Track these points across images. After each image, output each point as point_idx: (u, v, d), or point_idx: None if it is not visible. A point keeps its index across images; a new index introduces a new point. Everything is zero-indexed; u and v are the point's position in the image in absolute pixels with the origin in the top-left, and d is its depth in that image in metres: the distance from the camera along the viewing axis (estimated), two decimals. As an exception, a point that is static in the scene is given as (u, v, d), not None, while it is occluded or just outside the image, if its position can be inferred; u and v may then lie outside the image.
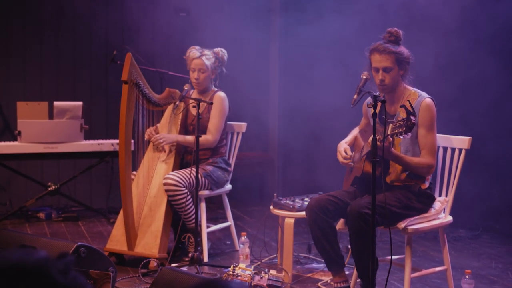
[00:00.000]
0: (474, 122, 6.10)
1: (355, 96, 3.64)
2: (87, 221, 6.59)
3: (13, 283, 1.34)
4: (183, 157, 5.21)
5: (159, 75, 6.48)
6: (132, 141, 5.26)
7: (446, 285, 4.22)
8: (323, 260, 4.18)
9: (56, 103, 6.33)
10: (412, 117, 3.30)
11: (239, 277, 4.23)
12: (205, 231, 5.03)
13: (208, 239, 5.15)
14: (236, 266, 4.35)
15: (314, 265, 4.98)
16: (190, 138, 5.02)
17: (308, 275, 4.72)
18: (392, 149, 3.71)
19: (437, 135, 3.99)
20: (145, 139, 5.10)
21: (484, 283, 4.54)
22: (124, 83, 4.66)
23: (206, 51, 5.10)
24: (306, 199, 4.70)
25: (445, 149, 4.19)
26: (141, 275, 4.60)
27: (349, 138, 4.26)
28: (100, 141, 6.51)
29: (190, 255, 4.70)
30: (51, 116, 6.35)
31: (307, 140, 7.34)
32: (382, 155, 3.46)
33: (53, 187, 6.63)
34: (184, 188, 4.83)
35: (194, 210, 4.84)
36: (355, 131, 4.32)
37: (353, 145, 4.24)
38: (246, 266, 4.35)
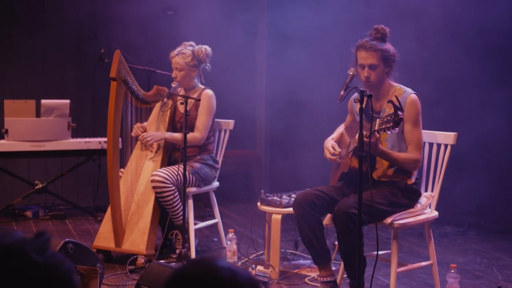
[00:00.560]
0: (458, 121, 6.15)
1: (342, 92, 3.67)
2: (74, 220, 6.58)
3: None
4: (171, 154, 5.23)
5: (147, 73, 6.51)
6: (120, 139, 5.27)
7: (432, 280, 4.26)
8: (310, 257, 4.20)
9: (43, 101, 6.33)
10: (400, 112, 3.32)
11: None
12: (192, 228, 5.04)
13: (195, 236, 5.17)
14: (224, 262, 4.36)
15: (301, 261, 5.01)
16: (177, 135, 5.04)
17: (295, 271, 4.75)
18: (379, 145, 3.74)
19: (423, 131, 4.03)
20: (132, 135, 5.11)
21: (470, 278, 4.59)
22: (113, 80, 4.67)
23: (186, 49, 5.10)
24: (293, 195, 4.72)
25: (431, 144, 4.23)
26: (129, 272, 4.61)
27: (335, 134, 4.28)
28: (88, 139, 6.51)
29: (177, 251, 4.72)
30: (38, 114, 6.34)
31: (294, 138, 7.37)
32: (369, 151, 3.50)
33: (40, 185, 6.62)
34: (171, 185, 4.85)
35: (181, 207, 4.86)
36: (340, 128, 4.35)
37: (339, 141, 4.26)
38: (233, 262, 4.37)
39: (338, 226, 3.74)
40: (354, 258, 3.59)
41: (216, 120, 5.30)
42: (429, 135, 4.21)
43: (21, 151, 6.29)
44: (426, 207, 4.12)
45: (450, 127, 4.48)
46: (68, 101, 6.41)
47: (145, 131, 5.16)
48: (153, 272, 3.56)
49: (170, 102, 5.15)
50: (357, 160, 3.42)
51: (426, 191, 4.24)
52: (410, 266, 4.22)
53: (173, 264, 4.58)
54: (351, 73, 3.86)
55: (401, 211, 3.93)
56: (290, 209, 4.29)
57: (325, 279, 4.05)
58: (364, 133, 3.42)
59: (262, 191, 4.92)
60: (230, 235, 4.91)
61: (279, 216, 4.60)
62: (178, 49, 5.11)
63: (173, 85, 5.02)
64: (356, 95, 3.45)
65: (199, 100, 4.95)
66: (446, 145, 4.11)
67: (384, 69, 3.97)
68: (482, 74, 6.23)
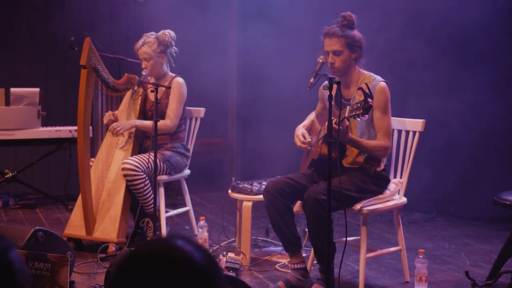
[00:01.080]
0: (428, 107, 6.21)
1: (311, 80, 3.71)
2: (45, 208, 6.56)
3: None
4: (142, 142, 5.22)
5: (118, 61, 6.48)
6: (91, 127, 5.25)
7: (401, 265, 4.33)
8: (281, 243, 4.23)
9: (12, 89, 6.28)
10: (369, 99, 3.35)
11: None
12: (163, 215, 5.05)
13: (166, 224, 5.18)
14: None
15: (272, 248, 5.04)
16: (148, 123, 5.03)
17: (266, 257, 4.78)
18: (349, 134, 3.76)
19: (392, 118, 4.07)
20: (104, 123, 5.10)
21: (438, 263, 4.66)
22: (83, 67, 4.66)
23: (150, 38, 5.08)
24: (263, 182, 4.75)
25: (399, 131, 4.28)
26: (100, 260, 4.61)
27: (306, 122, 4.31)
28: (58, 127, 6.47)
29: (148, 239, 4.72)
30: (7, 103, 6.30)
31: (266, 126, 7.39)
32: (338, 138, 3.53)
33: (10, 174, 6.58)
34: (142, 173, 4.85)
35: (152, 195, 4.86)
36: (311, 116, 4.38)
37: (310, 129, 4.29)
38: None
39: (308, 212, 3.78)
40: (323, 244, 3.63)
41: (187, 108, 5.30)
42: (397, 122, 4.25)
43: (-9, 139, 6.25)
44: (395, 194, 4.18)
45: (422, 115, 4.53)
46: (37, 89, 6.37)
47: (116, 119, 5.14)
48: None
49: (141, 90, 5.13)
50: (327, 147, 3.45)
51: (395, 177, 4.29)
52: (379, 252, 4.27)
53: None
54: (320, 60, 3.91)
55: (370, 197, 3.98)
56: (261, 197, 4.32)
57: (295, 266, 4.08)
58: (334, 120, 3.45)
59: (233, 178, 4.94)
60: (201, 222, 4.93)
61: (250, 204, 4.62)
62: (142, 40, 5.09)
63: (144, 73, 5.01)
64: (325, 82, 3.48)
65: (170, 87, 4.94)
66: (414, 132, 4.16)
67: (349, 55, 3.99)
68: (450, 59, 6.30)
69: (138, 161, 4.87)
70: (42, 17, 7.33)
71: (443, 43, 6.37)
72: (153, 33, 5.15)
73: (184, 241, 1.44)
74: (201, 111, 5.42)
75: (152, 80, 5.14)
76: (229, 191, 4.82)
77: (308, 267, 4.20)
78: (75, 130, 6.23)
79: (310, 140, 4.09)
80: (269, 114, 7.45)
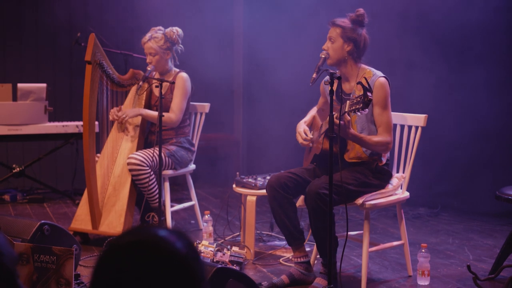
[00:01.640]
0: (431, 103, 6.24)
1: (314, 75, 3.76)
2: (52, 203, 6.61)
3: None
4: (147, 137, 5.26)
5: (124, 57, 6.51)
6: (97, 122, 5.29)
7: (404, 259, 4.35)
8: (285, 238, 4.26)
9: (20, 85, 6.33)
10: (369, 93, 3.38)
11: (202, 254, 4.31)
12: (169, 210, 5.09)
13: (172, 218, 5.22)
14: (199, 243, 4.42)
15: (277, 242, 5.08)
16: (153, 112, 5.05)
17: (270, 252, 4.81)
18: (350, 129, 3.77)
19: (394, 113, 4.09)
20: (110, 119, 5.14)
21: (441, 258, 4.68)
22: (88, 63, 4.70)
23: (157, 33, 5.12)
24: (268, 177, 4.78)
25: (402, 126, 4.30)
26: (106, 254, 4.65)
27: (307, 118, 4.33)
28: (65, 123, 6.52)
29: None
30: (15, 98, 6.35)
31: (272, 120, 7.42)
32: (339, 133, 3.55)
33: (18, 169, 6.64)
34: (147, 168, 4.89)
35: (157, 190, 4.90)
36: (313, 111, 4.40)
37: (311, 124, 4.32)
38: (209, 243, 4.43)
39: (309, 206, 3.80)
40: (325, 238, 3.66)
41: (191, 103, 5.34)
42: (399, 117, 4.27)
43: (-2, 134, 6.30)
44: (398, 188, 4.20)
45: (425, 110, 4.55)
46: (44, 85, 6.42)
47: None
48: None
49: (146, 85, 5.17)
50: (328, 142, 3.47)
51: (397, 172, 4.32)
52: (381, 246, 4.30)
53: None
54: (323, 56, 3.95)
55: (371, 191, 4.00)
56: (265, 191, 4.35)
57: (298, 259, 4.12)
58: (335, 114, 3.48)
59: (238, 173, 4.97)
60: (206, 217, 4.97)
61: (254, 198, 4.66)
62: (149, 34, 5.13)
63: (149, 69, 5.04)
64: (327, 77, 3.51)
65: (174, 83, 4.98)
66: (416, 127, 4.18)
67: (342, 46, 4.01)
68: (448, 60, 6.32)
69: (143, 155, 4.91)
70: (49, 13, 7.37)
71: (441, 42, 6.39)
72: (161, 28, 5.18)
73: (167, 230, 1.47)
74: (205, 106, 5.45)
75: (157, 75, 5.18)
76: (234, 185, 4.85)
77: (311, 261, 4.24)
78: (82, 125, 6.29)
79: (311, 136, 4.12)
80: (275, 109, 7.47)
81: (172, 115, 5.10)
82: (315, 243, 4.13)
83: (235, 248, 4.44)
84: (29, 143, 7.19)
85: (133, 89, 5.27)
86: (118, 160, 5.09)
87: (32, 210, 6.30)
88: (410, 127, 4.24)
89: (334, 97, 3.49)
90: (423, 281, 4.07)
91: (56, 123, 6.48)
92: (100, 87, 4.89)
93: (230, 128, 8.13)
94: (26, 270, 3.63)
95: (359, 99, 3.41)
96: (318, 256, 4.14)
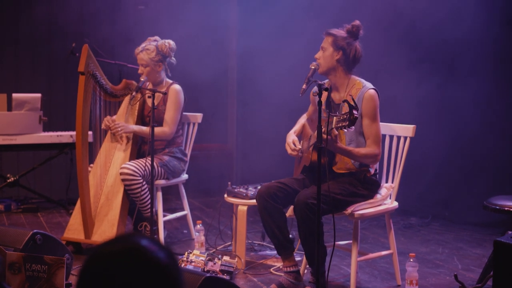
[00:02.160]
0: (422, 112, 6.29)
1: (303, 86, 3.81)
2: (46, 213, 6.64)
3: None
4: (140, 147, 5.31)
5: (118, 67, 6.56)
6: (91, 132, 5.34)
7: (393, 269, 4.39)
8: (274, 247, 4.31)
9: (14, 95, 6.37)
10: (355, 111, 3.42)
11: (193, 263, 4.35)
12: (161, 219, 5.13)
13: (164, 227, 5.26)
14: (190, 252, 4.47)
15: (268, 252, 5.12)
16: (146, 128, 5.11)
17: (261, 261, 4.85)
18: (338, 143, 3.82)
19: (382, 123, 4.15)
20: (102, 128, 5.18)
21: (430, 267, 4.72)
22: (81, 74, 4.75)
23: (150, 45, 5.17)
24: (259, 187, 4.82)
25: (391, 137, 4.35)
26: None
27: (297, 127, 4.38)
28: (59, 132, 6.56)
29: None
30: (9, 108, 6.39)
31: (265, 131, 7.46)
32: (326, 146, 3.60)
33: (12, 178, 6.67)
34: (140, 178, 4.93)
35: (150, 199, 4.94)
36: (302, 119, 4.45)
37: (301, 133, 4.37)
38: (201, 253, 4.47)
39: (298, 216, 3.85)
40: (314, 247, 3.71)
41: (184, 113, 5.38)
42: (388, 128, 4.32)
43: (-7, 144, 6.34)
44: (386, 198, 4.24)
45: (415, 121, 4.61)
46: (39, 95, 6.46)
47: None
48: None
49: (139, 95, 5.22)
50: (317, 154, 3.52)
51: (386, 182, 4.36)
52: (370, 255, 4.34)
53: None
54: (312, 67, 4.01)
55: (360, 201, 4.05)
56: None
57: (288, 269, 4.16)
58: (323, 129, 3.53)
59: (229, 183, 5.01)
60: (198, 226, 5.01)
61: (245, 208, 4.70)
62: (143, 45, 5.19)
63: (142, 79, 5.09)
64: (315, 88, 3.56)
65: (166, 93, 5.03)
66: (405, 138, 4.24)
67: (332, 54, 4.07)
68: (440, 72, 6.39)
69: (136, 166, 4.95)
70: (45, 24, 7.43)
71: (433, 52, 6.46)
72: (156, 38, 5.24)
73: (148, 240, 1.51)
74: (198, 116, 5.50)
75: (150, 86, 5.23)
76: (225, 195, 4.90)
77: (301, 271, 4.27)
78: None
79: (300, 147, 4.17)
80: (270, 118, 7.51)
81: (166, 128, 5.15)
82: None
83: (226, 258, 4.48)
84: (23, 153, 7.23)
85: (126, 99, 5.32)
86: (111, 170, 5.13)
87: (26, 219, 6.33)
88: (399, 138, 4.29)
89: (324, 107, 3.54)
90: (412, 290, 4.11)
91: (51, 133, 6.53)
92: (93, 97, 4.93)
93: (224, 138, 8.17)
94: (18, 279, 3.66)
95: (345, 117, 3.46)
96: (308, 265, 4.18)
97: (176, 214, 5.52)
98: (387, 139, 4.35)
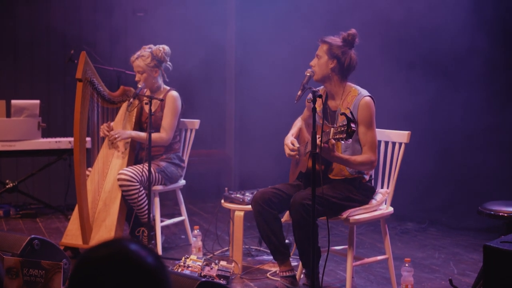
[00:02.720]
0: (417, 119, 6.33)
1: (299, 92, 3.84)
2: (45, 218, 6.67)
3: None
4: (138, 153, 5.34)
5: (117, 74, 6.59)
6: (89, 139, 5.37)
7: (389, 273, 4.41)
8: (271, 252, 4.33)
9: (13, 101, 6.41)
10: (353, 125, 3.44)
11: (190, 268, 4.37)
12: (159, 225, 5.16)
13: (162, 233, 5.29)
14: (188, 257, 4.49)
15: (265, 257, 5.14)
16: (144, 134, 5.14)
17: (258, 266, 4.88)
18: (335, 152, 3.84)
19: (378, 129, 4.17)
20: (100, 135, 5.22)
21: (426, 272, 4.75)
22: (79, 81, 4.78)
23: (145, 52, 5.21)
24: (255, 192, 4.85)
25: (386, 143, 4.38)
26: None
27: (294, 130, 4.41)
28: (58, 139, 6.60)
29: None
30: (8, 115, 6.42)
31: (264, 137, 7.49)
32: (321, 155, 3.62)
33: (11, 184, 6.70)
34: (137, 183, 4.96)
35: (147, 205, 4.96)
36: (298, 122, 4.48)
37: (298, 136, 4.39)
38: (198, 258, 4.50)
39: (293, 217, 3.89)
40: (308, 248, 3.74)
41: (181, 120, 5.42)
42: (383, 134, 4.35)
43: (-8, 150, 6.37)
44: (382, 203, 4.27)
45: (411, 127, 4.64)
46: (38, 101, 6.50)
47: (112, 130, 5.26)
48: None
49: (136, 102, 5.25)
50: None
51: (382, 188, 4.39)
52: (366, 260, 4.37)
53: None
54: (308, 74, 4.04)
55: (355, 206, 4.07)
56: (253, 206, 4.41)
57: (284, 273, 4.18)
58: (318, 138, 3.56)
59: (226, 188, 5.04)
60: (196, 231, 5.03)
61: (242, 213, 4.73)
62: (138, 53, 5.22)
63: (139, 86, 5.13)
64: (310, 95, 3.59)
65: (163, 100, 5.07)
66: (400, 143, 4.26)
67: (327, 62, 4.10)
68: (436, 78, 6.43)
69: (133, 171, 4.98)
70: (43, 30, 7.47)
71: (428, 59, 6.51)
72: (151, 46, 5.28)
73: (136, 244, 1.54)
74: (195, 122, 5.53)
75: (147, 92, 5.26)
76: (222, 201, 4.93)
77: (297, 276, 4.29)
78: (74, 141, 6.37)
79: (298, 145, 4.20)
80: (265, 125, 7.55)
81: (163, 134, 5.18)
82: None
83: (223, 263, 4.51)
84: (22, 159, 7.27)
85: (124, 105, 5.35)
86: (109, 176, 5.16)
87: (24, 225, 6.36)
88: (394, 144, 4.32)
89: (320, 113, 3.57)
90: (407, 295, 4.14)
91: (49, 139, 6.56)
92: (91, 104, 4.97)
93: (221, 144, 8.20)
94: (15, 284, 3.69)
95: (342, 129, 3.48)
96: (302, 266, 4.20)
97: (174, 219, 5.55)
98: (382, 145, 4.38)
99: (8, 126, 6.35)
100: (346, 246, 4.49)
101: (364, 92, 4.11)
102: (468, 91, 6.23)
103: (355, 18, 6.46)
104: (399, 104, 6.49)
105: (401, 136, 4.26)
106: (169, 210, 6.87)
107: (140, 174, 4.98)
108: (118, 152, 5.24)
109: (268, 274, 4.67)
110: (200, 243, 5.04)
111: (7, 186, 6.70)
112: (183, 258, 4.49)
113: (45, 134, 6.71)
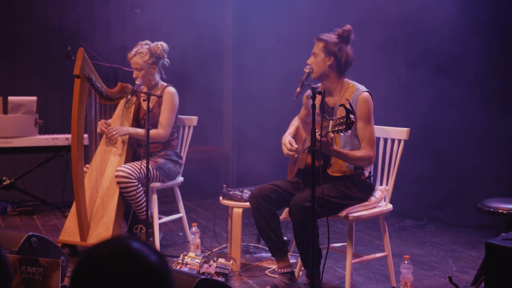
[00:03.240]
0: (418, 117, 6.32)
1: (298, 89, 3.83)
2: (42, 215, 6.65)
3: None
4: (135, 150, 5.32)
5: (114, 70, 6.58)
6: (86, 135, 5.34)
7: (388, 271, 4.41)
8: (269, 248, 4.32)
9: (10, 98, 6.38)
10: (352, 116, 3.44)
11: (188, 265, 4.36)
12: (156, 222, 5.14)
13: (160, 230, 5.27)
14: (186, 255, 4.48)
15: (263, 254, 5.13)
16: (141, 131, 5.12)
17: (256, 263, 4.86)
18: (333, 146, 3.83)
19: (377, 126, 4.16)
20: (98, 132, 5.20)
21: (425, 269, 4.74)
22: (76, 77, 4.76)
23: (143, 48, 5.18)
24: (253, 189, 4.83)
25: (385, 140, 4.37)
26: (93, 265, 4.68)
27: (291, 129, 4.40)
28: (55, 135, 6.58)
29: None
30: (5, 111, 6.39)
31: (261, 134, 7.48)
32: (320, 149, 3.61)
33: (8, 181, 6.68)
34: (135, 180, 4.94)
35: (145, 202, 4.95)
36: (295, 122, 4.47)
37: (295, 136, 4.38)
38: (196, 255, 4.49)
39: (294, 219, 3.87)
40: (309, 249, 3.72)
41: (179, 116, 5.39)
42: (382, 131, 4.34)
43: (-12, 147, 6.35)
44: (381, 200, 4.26)
45: (412, 124, 4.63)
46: (35, 98, 6.47)
47: (109, 125, 5.24)
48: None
49: (134, 98, 5.22)
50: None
51: (381, 185, 4.38)
52: (365, 258, 4.36)
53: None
54: (307, 70, 4.03)
55: (355, 204, 4.06)
56: (251, 203, 4.40)
57: (282, 270, 4.17)
58: (318, 132, 3.55)
59: (224, 185, 5.03)
60: (194, 229, 5.02)
61: (240, 210, 4.72)
62: (135, 49, 5.19)
63: (137, 82, 5.11)
64: (309, 91, 3.58)
65: (161, 97, 5.05)
66: (399, 140, 4.25)
67: (324, 60, 4.08)
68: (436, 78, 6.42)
69: (131, 168, 4.97)
70: (40, 27, 7.44)
71: (431, 58, 6.50)
72: (147, 42, 5.25)
73: (139, 242, 1.52)
74: (193, 119, 5.51)
75: (145, 89, 5.24)
76: (221, 198, 4.91)
77: (296, 273, 4.28)
78: (71, 138, 6.35)
79: (296, 146, 4.18)
80: (263, 121, 7.54)
81: (161, 130, 5.16)
82: (299, 255, 4.19)
83: (221, 260, 4.49)
84: (19, 156, 7.24)
85: (122, 102, 5.33)
86: (106, 172, 5.14)
87: (21, 222, 6.33)
88: (393, 141, 4.31)
89: (317, 111, 3.56)
90: (406, 292, 4.13)
91: (46, 136, 6.54)
92: (89, 100, 4.95)
93: (219, 140, 8.18)
94: (13, 281, 3.67)
95: (342, 121, 3.47)
96: (303, 267, 4.20)
97: (172, 216, 5.53)
98: (381, 142, 4.37)
99: (5, 123, 6.33)
100: (345, 243, 4.50)
101: (362, 87, 4.10)
102: (468, 88, 6.21)
103: (352, 15, 6.45)
104: (398, 101, 6.49)
105: (400, 133, 4.25)
106: (166, 207, 6.85)
107: (138, 171, 4.96)
108: (116, 148, 5.22)
109: (266, 271, 4.65)
110: (198, 240, 5.03)
111: (4, 183, 6.67)
112: (181, 256, 4.48)
113: (42, 131, 6.69)
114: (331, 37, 4.10)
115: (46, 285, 3.67)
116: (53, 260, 3.67)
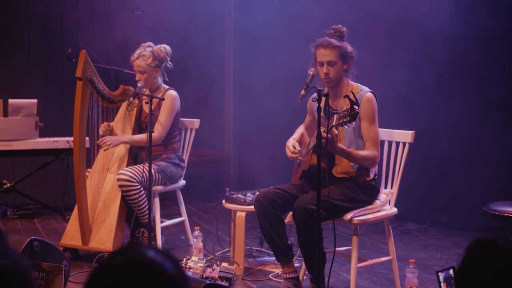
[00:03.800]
0: (421, 118, 6.30)
1: (302, 92, 3.78)
2: (43, 219, 6.61)
3: None
4: (138, 153, 5.28)
5: (115, 73, 6.54)
6: (88, 138, 5.31)
7: (392, 275, 4.37)
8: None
9: (10, 100, 6.34)
10: (356, 107, 3.42)
11: (191, 270, 4.33)
12: (159, 225, 5.10)
13: (162, 234, 5.23)
14: (189, 259, 4.45)
15: (266, 258, 5.09)
16: (136, 137, 5.07)
17: (260, 267, 4.83)
18: (338, 143, 3.81)
19: (381, 129, 4.14)
20: (100, 134, 5.15)
21: (429, 273, 4.71)
22: (78, 79, 4.73)
23: (146, 51, 5.14)
24: (257, 193, 4.80)
25: (390, 142, 4.34)
26: (95, 269, 4.65)
27: (296, 135, 4.37)
28: (56, 138, 6.54)
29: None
30: (5, 114, 6.35)
31: (263, 137, 7.45)
32: (326, 147, 3.59)
33: (8, 184, 6.64)
34: (137, 184, 4.90)
35: (147, 205, 4.91)
36: (300, 129, 4.45)
37: (300, 141, 4.35)
38: (199, 259, 4.45)
39: (297, 222, 3.84)
40: (313, 253, 3.69)
41: (181, 119, 5.36)
42: (387, 133, 4.31)
43: (-11, 150, 6.31)
44: (386, 204, 4.23)
45: (415, 126, 4.60)
46: (35, 100, 6.44)
47: (112, 130, 5.21)
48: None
49: (136, 101, 5.19)
50: (316, 157, 3.50)
51: (385, 188, 4.35)
52: (370, 262, 4.33)
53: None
54: (311, 73, 3.98)
55: (360, 207, 4.03)
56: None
57: (287, 275, 4.14)
58: (323, 129, 3.52)
59: (227, 189, 4.99)
60: (196, 232, 4.98)
61: (243, 214, 4.68)
62: (138, 51, 5.15)
63: (139, 85, 5.07)
64: (314, 94, 3.55)
65: (163, 99, 5.00)
66: (404, 143, 4.22)
67: (342, 66, 4.08)
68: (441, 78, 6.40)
69: (133, 172, 4.93)
70: (41, 29, 7.41)
71: (432, 60, 6.47)
72: (150, 44, 5.21)
73: (154, 250, 1.48)
74: (195, 122, 5.47)
75: (147, 92, 5.21)
76: (223, 201, 4.88)
77: (300, 277, 4.25)
78: (72, 141, 6.30)
79: (299, 149, 4.16)
80: (265, 124, 7.51)
81: (155, 132, 5.08)
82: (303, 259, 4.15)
83: (224, 264, 4.46)
84: (19, 159, 7.20)
85: (124, 105, 5.29)
86: (108, 176, 5.10)
87: (22, 225, 6.30)
88: (398, 143, 4.28)
89: (322, 114, 3.53)
90: (411, 297, 4.09)
91: (47, 139, 6.50)
92: (91, 103, 4.92)
93: (221, 144, 8.15)
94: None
95: (346, 113, 3.46)
96: (307, 272, 4.16)
97: (174, 220, 5.50)
98: (386, 145, 4.34)
99: (5, 126, 6.29)
100: (348, 247, 4.46)
101: (366, 88, 4.11)
102: (472, 90, 6.19)
103: (355, 15, 6.43)
104: (401, 103, 6.46)
105: (405, 135, 4.22)
106: (168, 210, 6.82)
107: (140, 175, 4.93)
108: (118, 152, 5.18)
109: (270, 276, 4.62)
110: (200, 244, 4.99)
111: (4, 186, 6.63)
112: (184, 260, 4.45)
113: (42, 134, 6.64)
114: (337, 42, 4.08)
115: (49, 290, 3.63)
116: (56, 264, 3.64)
